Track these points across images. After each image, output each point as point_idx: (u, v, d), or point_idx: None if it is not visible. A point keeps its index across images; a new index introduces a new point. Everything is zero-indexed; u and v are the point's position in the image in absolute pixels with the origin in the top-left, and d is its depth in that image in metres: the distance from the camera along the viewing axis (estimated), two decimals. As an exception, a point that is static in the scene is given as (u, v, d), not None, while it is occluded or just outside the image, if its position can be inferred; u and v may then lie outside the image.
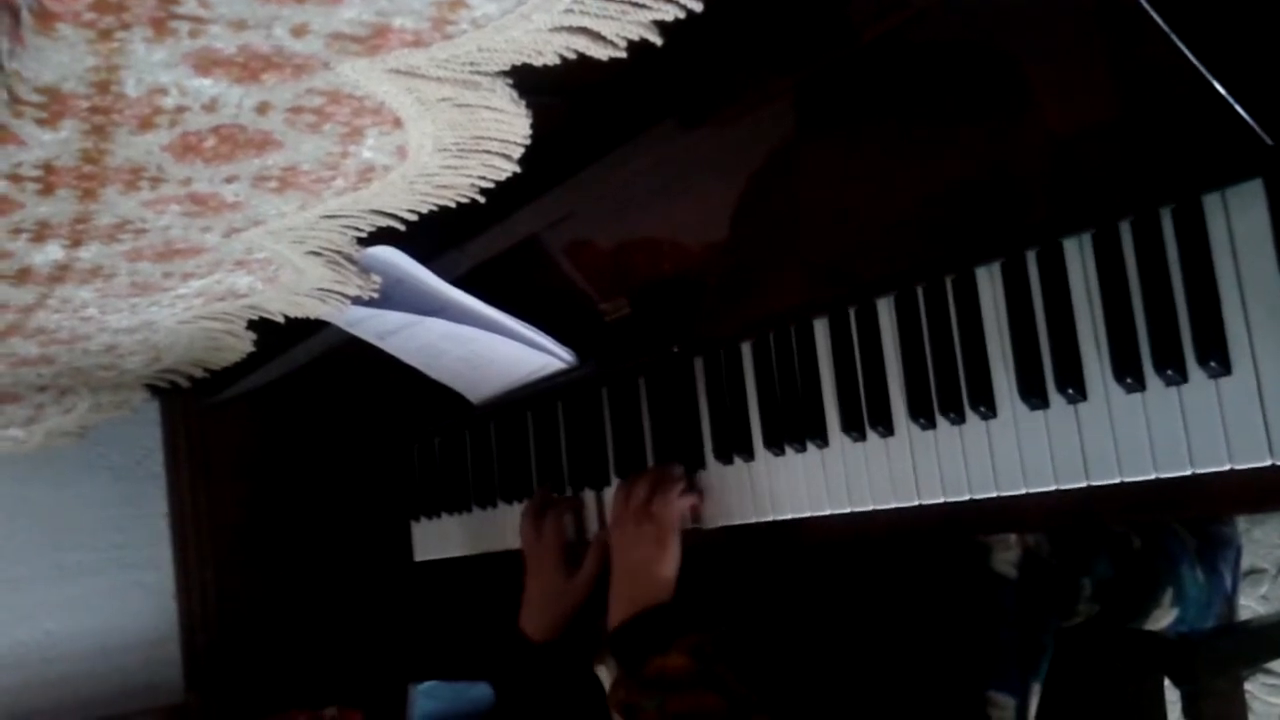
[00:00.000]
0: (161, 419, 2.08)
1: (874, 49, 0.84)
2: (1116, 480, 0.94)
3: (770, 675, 1.15)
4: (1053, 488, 0.98)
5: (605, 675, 1.47)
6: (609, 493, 1.43)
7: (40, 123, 0.72)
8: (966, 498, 1.04)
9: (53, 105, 0.70)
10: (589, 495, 1.48)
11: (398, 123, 0.83)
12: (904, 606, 1.23)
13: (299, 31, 0.67)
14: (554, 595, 1.40)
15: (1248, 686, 1.65)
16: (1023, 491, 1.00)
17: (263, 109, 0.77)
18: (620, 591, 1.22)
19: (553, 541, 1.43)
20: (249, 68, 0.70)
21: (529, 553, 1.45)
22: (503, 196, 0.99)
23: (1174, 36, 0.76)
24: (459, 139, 0.88)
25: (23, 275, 1.02)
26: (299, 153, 0.85)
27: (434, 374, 1.48)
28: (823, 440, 1.17)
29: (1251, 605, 1.72)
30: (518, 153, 0.91)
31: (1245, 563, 1.57)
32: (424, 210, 1.01)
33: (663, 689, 1.10)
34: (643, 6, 0.72)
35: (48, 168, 0.79)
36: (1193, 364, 0.89)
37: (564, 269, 1.30)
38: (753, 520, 1.26)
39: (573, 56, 0.75)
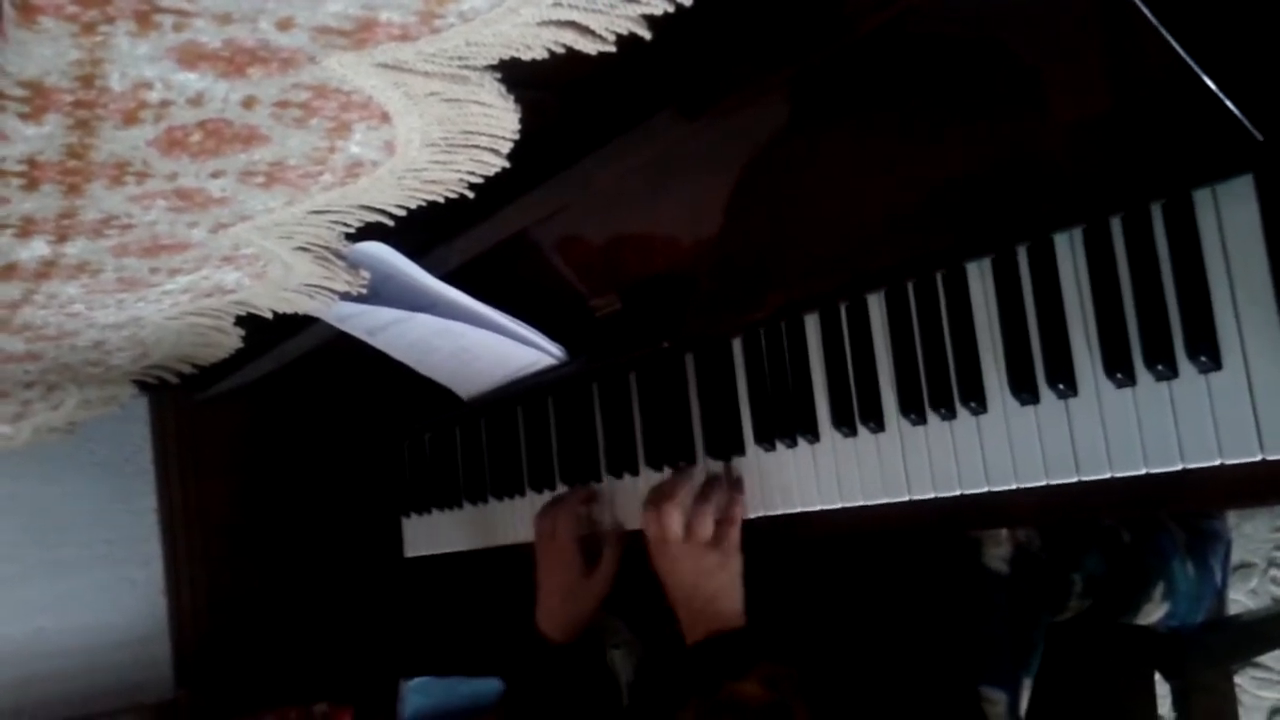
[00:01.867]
0: (150, 415, 2.08)
1: (866, 44, 0.84)
2: (1107, 475, 0.94)
3: (837, 707, 1.13)
4: (1043, 483, 0.98)
5: (619, 662, 1.44)
6: (612, 483, 1.42)
7: (23, 117, 0.71)
8: (957, 493, 1.04)
9: (36, 99, 0.69)
10: (598, 488, 1.46)
11: (385, 117, 0.82)
12: (895, 602, 1.23)
13: (285, 25, 0.66)
14: (572, 595, 1.35)
15: (1237, 680, 1.65)
16: (1013, 487, 1.00)
17: (249, 103, 0.76)
18: (691, 619, 1.17)
19: (566, 538, 1.38)
20: (234, 62, 0.70)
21: (542, 550, 1.40)
22: (492, 192, 0.98)
23: (1165, 32, 0.76)
24: (447, 134, 0.88)
25: (8, 271, 1.01)
26: (286, 148, 0.84)
27: (424, 370, 1.47)
28: (813, 435, 1.17)
29: (1241, 600, 1.73)
30: (506, 148, 0.91)
31: (1235, 557, 1.58)
32: (412, 206, 1.01)
33: (733, 713, 1.08)
34: (631, 0, 0.71)
35: (32, 162, 0.78)
36: (1183, 359, 0.89)
37: (554, 265, 1.29)
38: (745, 516, 1.25)
39: (561, 51, 0.75)
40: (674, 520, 1.19)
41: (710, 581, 1.17)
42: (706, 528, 1.19)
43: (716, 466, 1.28)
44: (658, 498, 1.23)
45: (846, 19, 0.82)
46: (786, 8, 0.85)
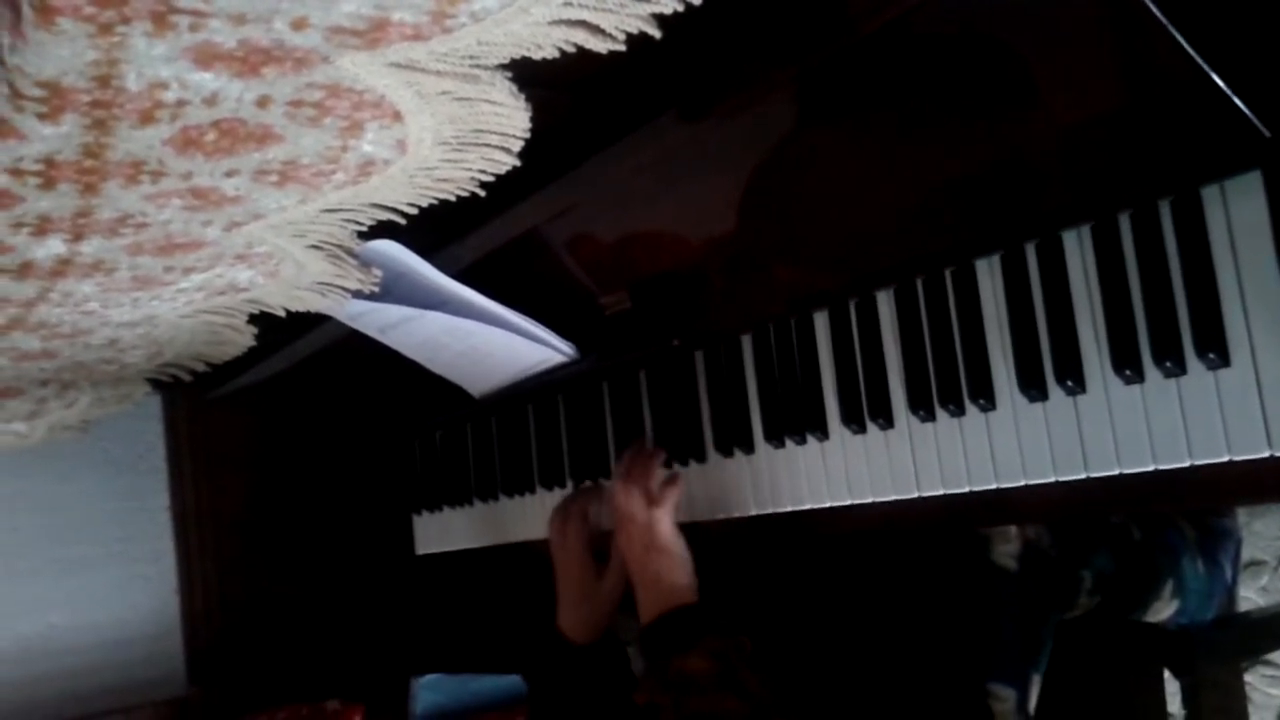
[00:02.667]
0: (163, 413, 2.09)
1: (873, 41, 0.84)
2: (1116, 472, 0.94)
3: (790, 678, 1.14)
4: (1052, 479, 0.98)
5: (635, 658, 1.45)
6: (604, 485, 1.43)
7: (41, 117, 0.72)
8: (966, 490, 1.05)
9: (53, 100, 0.70)
10: (606, 485, 1.46)
11: (397, 116, 0.83)
12: (904, 599, 1.24)
13: (299, 25, 0.67)
14: (588, 596, 1.36)
15: (1247, 678, 1.65)
16: (1022, 483, 1.00)
17: (263, 103, 0.77)
18: (643, 598, 1.21)
19: (576, 542, 1.39)
20: (249, 61, 0.70)
21: (555, 554, 1.41)
22: (503, 190, 0.99)
23: (1172, 29, 0.76)
24: (459, 132, 0.88)
25: (24, 270, 1.02)
26: (299, 146, 0.85)
27: (435, 368, 1.48)
28: (823, 433, 1.18)
29: (1251, 597, 1.72)
30: (517, 146, 0.91)
31: (1245, 555, 1.58)
32: (424, 204, 1.01)
33: (682, 689, 1.09)
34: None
35: (49, 162, 0.79)
36: (1191, 356, 0.89)
37: (564, 263, 1.30)
38: (753, 513, 1.26)
39: (572, 50, 0.75)
40: (620, 502, 1.25)
41: (654, 562, 1.20)
42: (639, 511, 1.23)
43: (725, 463, 1.29)
44: (614, 483, 1.28)
45: (853, 18, 0.82)
46: (793, 7, 0.85)
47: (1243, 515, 1.46)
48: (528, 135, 0.89)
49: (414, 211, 1.03)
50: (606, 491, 1.42)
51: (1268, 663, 1.72)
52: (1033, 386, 0.99)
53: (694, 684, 1.09)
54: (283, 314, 1.31)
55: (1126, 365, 0.92)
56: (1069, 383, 0.96)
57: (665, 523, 1.23)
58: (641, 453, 1.32)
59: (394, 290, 1.24)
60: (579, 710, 1.34)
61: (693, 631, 1.13)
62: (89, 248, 0.99)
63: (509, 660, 1.72)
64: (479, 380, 1.51)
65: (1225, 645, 1.29)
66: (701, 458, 1.31)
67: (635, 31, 0.74)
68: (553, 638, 1.37)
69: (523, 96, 0.83)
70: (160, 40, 0.65)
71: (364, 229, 1.07)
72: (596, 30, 0.74)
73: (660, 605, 1.18)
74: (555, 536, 1.41)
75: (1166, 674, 1.31)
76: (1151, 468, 0.91)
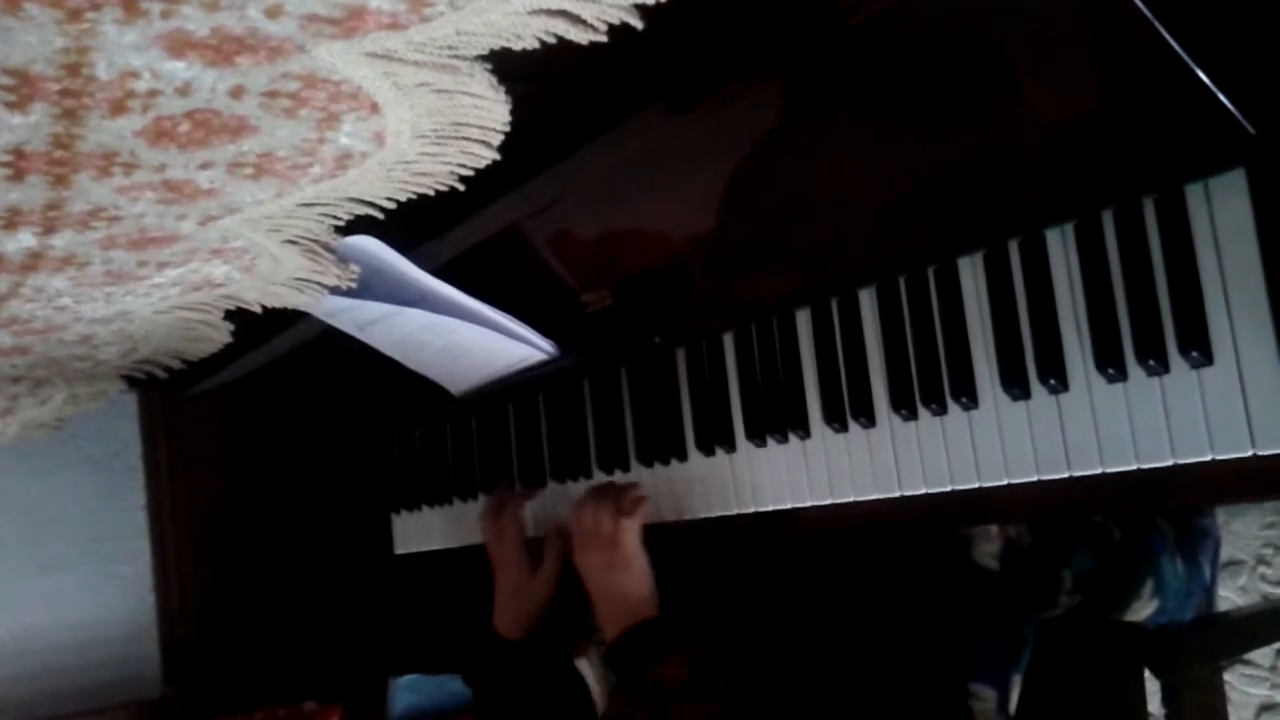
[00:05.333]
0: (139, 411, 2.07)
1: (855, 37, 0.84)
2: (1098, 471, 0.93)
3: (758, 681, 1.15)
4: (1034, 478, 0.98)
5: (587, 669, 1.47)
6: (584, 484, 1.43)
7: (9, 106, 0.70)
8: (948, 489, 1.04)
9: (22, 88, 0.69)
10: (570, 486, 1.47)
11: (375, 108, 0.82)
12: (885, 598, 1.23)
13: (273, 13, 0.66)
14: (520, 593, 1.41)
15: (1227, 677, 1.65)
16: (1004, 482, 1.00)
17: (237, 93, 0.76)
18: (607, 614, 1.23)
19: (512, 540, 1.43)
20: (222, 50, 0.69)
21: (492, 552, 1.46)
22: (483, 185, 0.98)
23: (1157, 24, 0.76)
24: (437, 125, 0.87)
25: (-6, 263, 1.00)
26: (275, 138, 0.84)
27: (414, 365, 1.47)
28: (805, 431, 1.17)
29: (1230, 596, 1.73)
30: (497, 140, 0.90)
31: (1224, 554, 1.58)
32: (403, 198, 1.00)
33: (659, 698, 1.10)
34: (623, -10, 0.71)
35: (18, 153, 0.78)
36: (1174, 354, 0.88)
37: (545, 259, 1.29)
38: (734, 511, 1.25)
39: (552, 41, 0.74)
40: (586, 517, 1.26)
41: (618, 577, 1.22)
42: (605, 525, 1.24)
43: (707, 461, 1.28)
44: (581, 498, 1.30)
45: (839, 12, 0.81)
46: (778, 1, 0.84)
47: (1221, 515, 1.47)
48: (508, 129, 0.88)
49: (392, 206, 1.01)
50: (543, 497, 1.48)
51: (1247, 662, 1.72)
52: (1015, 385, 0.98)
53: (670, 692, 1.10)
54: (259, 310, 1.30)
55: (1109, 364, 0.92)
56: (1052, 381, 0.96)
57: (632, 533, 1.24)
58: (616, 489, 1.33)
59: (372, 286, 1.23)
60: (519, 704, 1.37)
61: (664, 643, 1.15)
62: (60, 241, 0.97)
63: (458, 662, 1.72)
64: (459, 378, 1.50)
65: (1205, 644, 1.29)
66: (683, 456, 1.31)
67: (617, 22, 0.73)
68: (488, 636, 1.41)
69: (502, 89, 0.82)
70: (131, 27, 0.64)
71: (341, 224, 1.06)
72: (577, 20, 0.73)
73: (628, 619, 1.20)
74: (491, 535, 1.46)
75: (1146, 673, 1.31)
76: (1134, 467, 0.91)
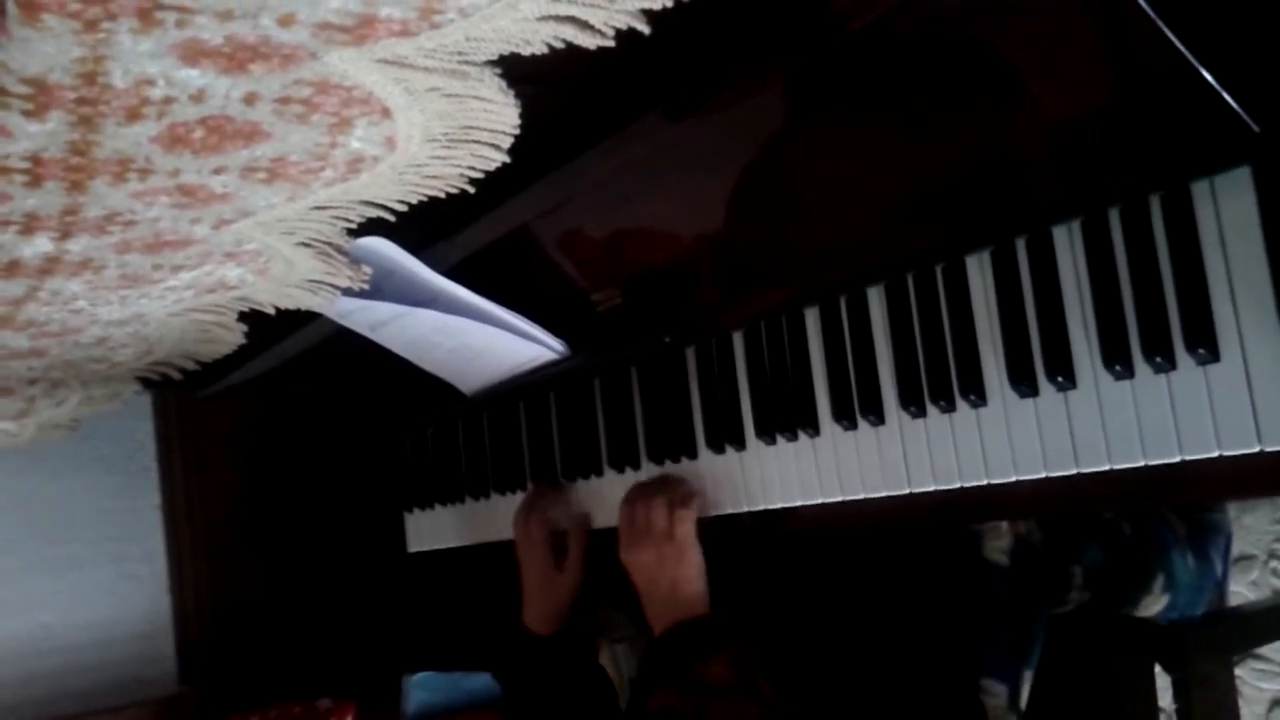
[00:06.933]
0: (153, 412, 2.08)
1: (862, 37, 0.84)
2: (1106, 467, 0.94)
3: (795, 681, 1.15)
4: (1043, 475, 0.98)
5: (608, 663, 1.48)
6: (595, 482, 1.44)
7: (27, 114, 0.71)
8: (957, 485, 1.05)
9: (39, 97, 0.70)
10: (580, 484, 1.48)
11: (386, 113, 0.83)
12: (896, 595, 1.24)
13: (286, 21, 0.67)
14: (548, 589, 1.42)
15: (1238, 672, 1.66)
16: (1013, 479, 1.00)
17: (250, 100, 0.76)
18: (655, 609, 1.22)
19: (539, 537, 1.44)
20: (236, 58, 0.70)
21: (520, 550, 1.46)
22: (493, 187, 0.98)
23: (1161, 24, 0.76)
24: (448, 129, 0.88)
25: (12, 268, 1.01)
26: (287, 143, 0.85)
27: (426, 365, 1.48)
28: (814, 429, 1.18)
29: (1242, 591, 1.73)
30: (507, 143, 0.91)
31: (1235, 549, 1.58)
32: (413, 201, 1.01)
33: (703, 695, 1.11)
34: (630, -5, 0.72)
35: (35, 160, 0.79)
36: (1181, 351, 0.89)
37: (555, 259, 1.30)
38: (744, 509, 1.26)
39: (561, 46, 0.75)
40: (638, 513, 1.25)
41: (670, 572, 1.21)
42: (660, 519, 1.23)
43: (717, 459, 1.29)
44: (631, 493, 1.29)
45: (842, 15, 0.82)
46: (780, 4, 0.85)
47: (1233, 510, 1.47)
48: (517, 132, 0.89)
49: (404, 208, 1.02)
50: (569, 495, 1.48)
51: (1258, 657, 1.72)
52: (1023, 382, 0.99)
53: (714, 690, 1.11)
54: (273, 312, 1.31)
55: (1116, 361, 0.92)
56: (1059, 378, 0.96)
57: (689, 525, 1.23)
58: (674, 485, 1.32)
59: (384, 288, 1.24)
60: (545, 700, 1.39)
61: (714, 640, 1.15)
62: (77, 246, 0.98)
63: (488, 659, 1.73)
64: (470, 377, 1.51)
65: (1216, 640, 1.29)
66: (693, 454, 1.31)
67: (624, 28, 0.74)
68: (518, 632, 1.42)
69: (512, 93, 0.83)
70: (146, 37, 0.65)
71: (353, 226, 1.07)
72: (585, 26, 0.74)
73: (678, 614, 1.19)
74: (520, 534, 1.47)
75: (1157, 669, 1.32)
76: (1142, 463, 0.92)
